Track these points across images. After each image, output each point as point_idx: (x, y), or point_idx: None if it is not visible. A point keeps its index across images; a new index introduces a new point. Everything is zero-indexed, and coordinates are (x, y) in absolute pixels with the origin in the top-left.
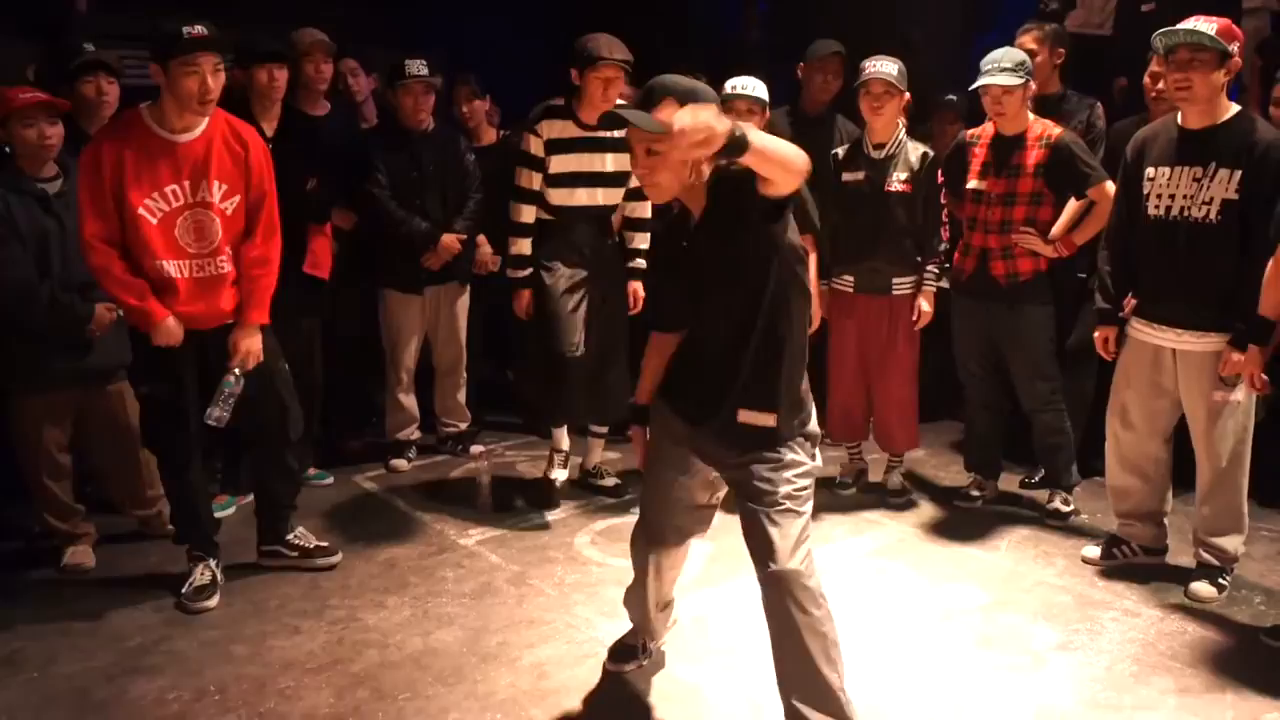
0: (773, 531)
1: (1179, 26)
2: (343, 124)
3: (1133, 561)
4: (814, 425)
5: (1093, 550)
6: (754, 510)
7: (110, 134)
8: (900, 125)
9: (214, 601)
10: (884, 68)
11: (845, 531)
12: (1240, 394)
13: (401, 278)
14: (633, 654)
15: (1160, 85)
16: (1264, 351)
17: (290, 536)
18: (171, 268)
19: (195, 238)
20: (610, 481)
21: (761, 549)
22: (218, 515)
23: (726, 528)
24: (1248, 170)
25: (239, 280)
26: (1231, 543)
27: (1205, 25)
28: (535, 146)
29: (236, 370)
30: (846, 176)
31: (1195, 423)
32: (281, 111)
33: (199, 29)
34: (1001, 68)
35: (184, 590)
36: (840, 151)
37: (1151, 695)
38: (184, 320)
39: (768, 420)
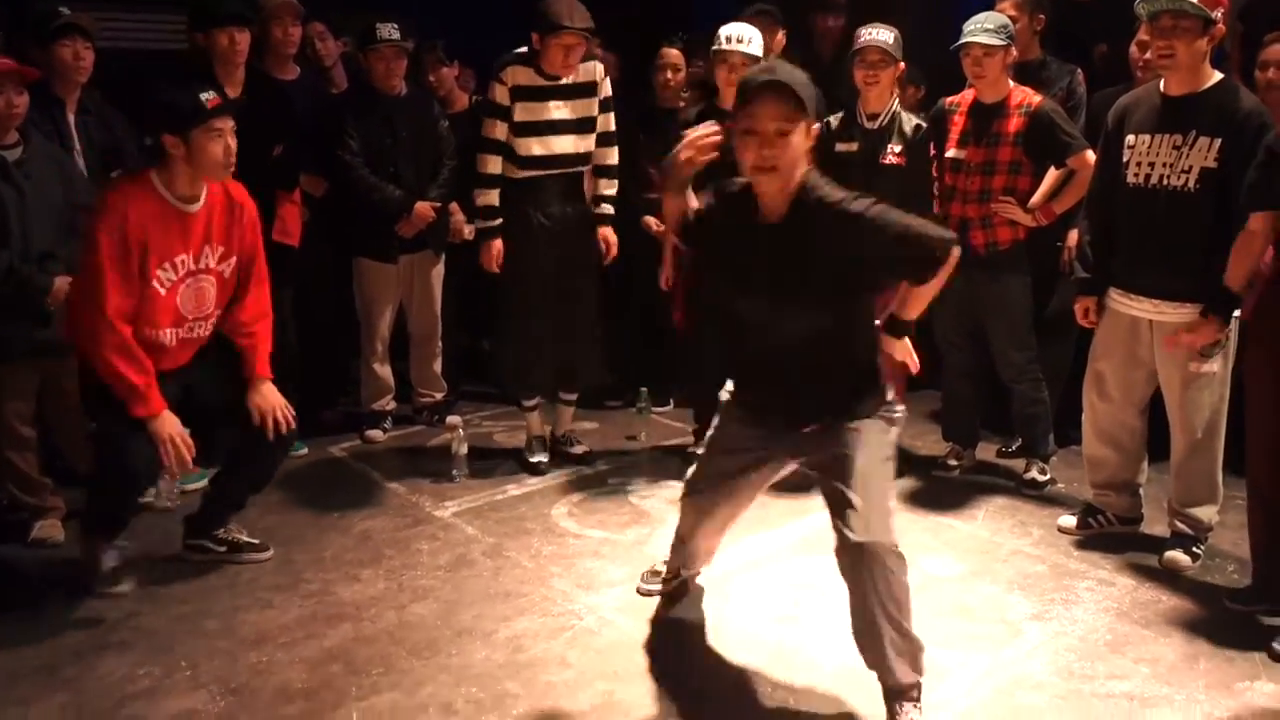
0: (854, 500)
1: None
2: (313, 89)
3: (1108, 531)
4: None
5: (1069, 520)
6: (835, 485)
7: (128, 203)
8: (894, 95)
9: (128, 586)
10: (880, 35)
11: (823, 502)
12: (1216, 365)
13: (375, 246)
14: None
15: (1148, 54)
16: (1223, 324)
17: (219, 531)
18: (167, 335)
19: (195, 304)
20: (580, 449)
21: (841, 518)
22: (192, 487)
23: None
24: (1227, 138)
25: (239, 337)
26: (1206, 512)
27: None
28: (501, 95)
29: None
30: (840, 147)
31: (1170, 393)
32: (247, 75)
33: (213, 95)
34: (984, 28)
35: (92, 574)
36: (833, 120)
37: (1125, 664)
38: (165, 368)
39: (819, 427)
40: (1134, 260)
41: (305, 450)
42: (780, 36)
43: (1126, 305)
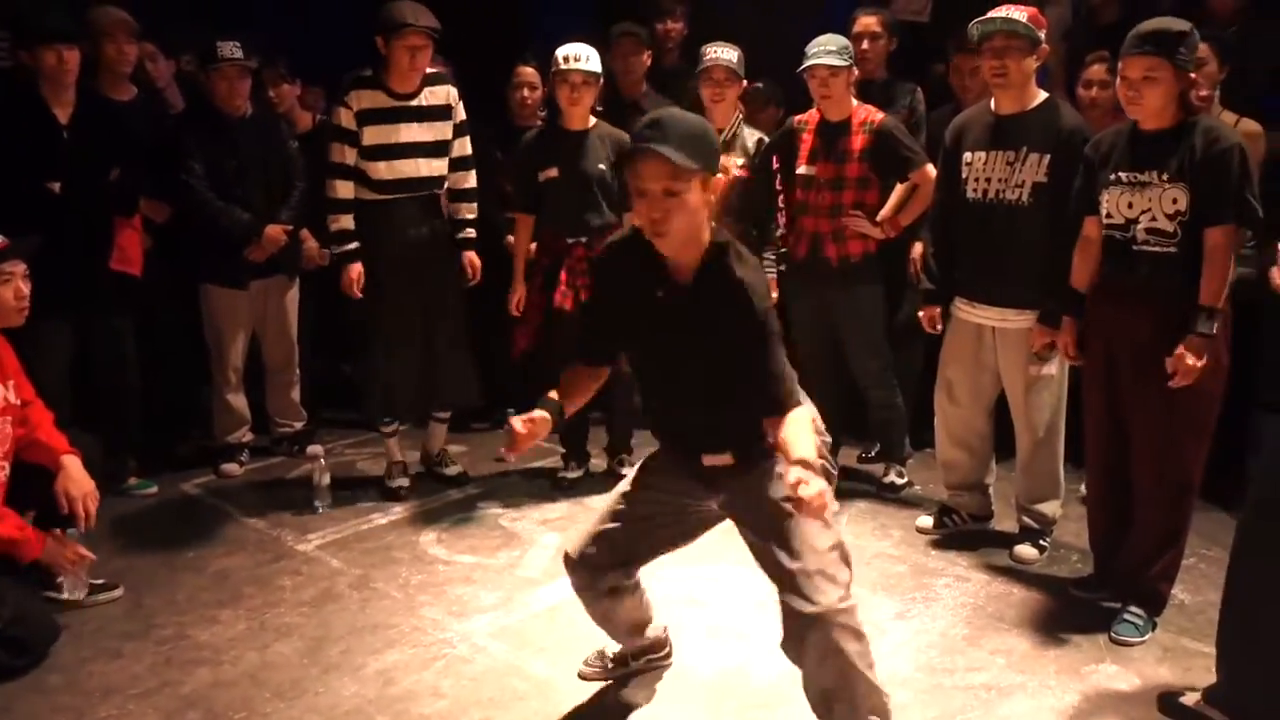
0: (786, 563)
1: (994, 15)
2: (152, 109)
3: (962, 529)
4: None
5: (926, 520)
6: (762, 542)
7: None
8: (738, 112)
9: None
10: (725, 54)
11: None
12: (1054, 368)
13: (223, 272)
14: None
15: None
16: (1075, 323)
17: (61, 577)
18: None
19: (3, 444)
20: (454, 470)
21: (781, 579)
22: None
23: (574, 517)
24: (1055, 154)
25: (28, 440)
26: (1050, 507)
27: (1017, 14)
28: (346, 119)
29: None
30: None
31: (1014, 396)
32: (78, 96)
33: (2, 239)
34: (827, 50)
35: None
36: None
37: (982, 656)
38: None
39: (725, 460)
40: (976, 270)
41: (155, 488)
42: (645, 57)
43: (971, 314)
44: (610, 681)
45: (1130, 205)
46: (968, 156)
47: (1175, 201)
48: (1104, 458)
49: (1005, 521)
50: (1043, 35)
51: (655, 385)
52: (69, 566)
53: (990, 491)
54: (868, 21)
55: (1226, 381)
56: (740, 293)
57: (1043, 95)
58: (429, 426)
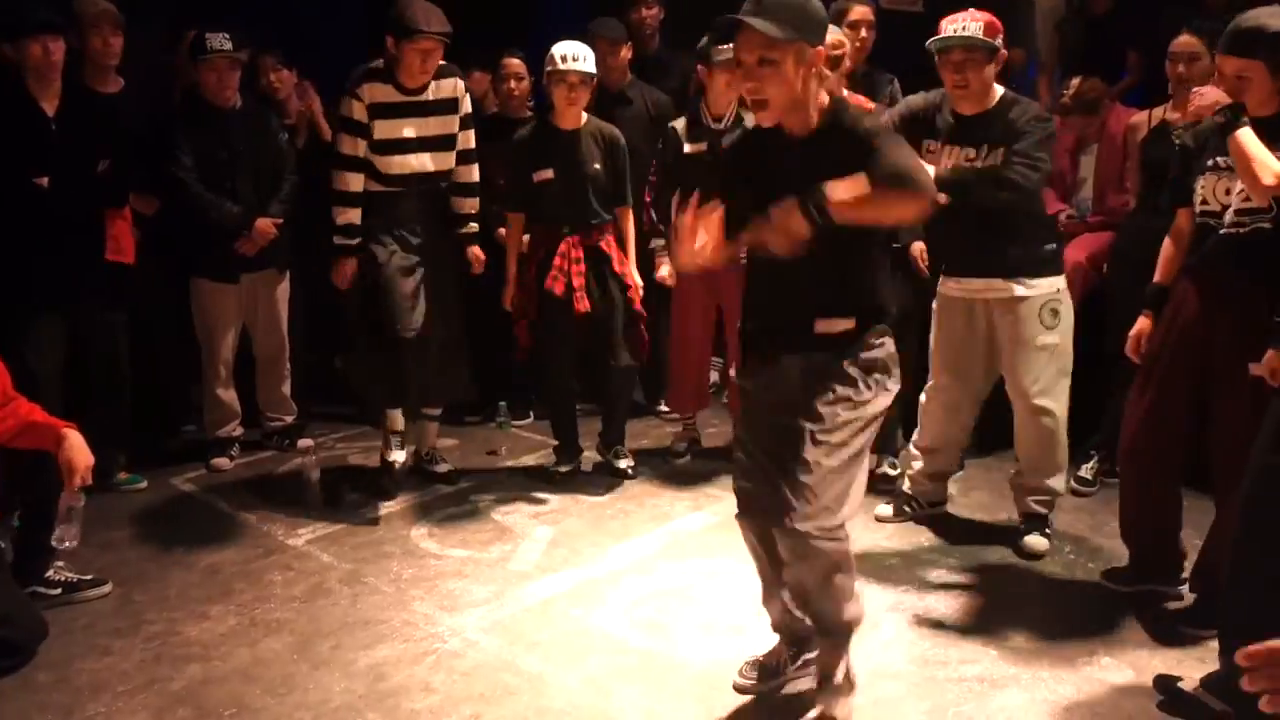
0: (803, 481)
1: (949, 32)
2: (140, 102)
3: (928, 514)
4: (889, 352)
5: (885, 509)
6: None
7: None
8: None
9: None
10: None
11: (686, 507)
12: (1055, 338)
13: (214, 265)
14: (775, 671)
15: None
16: (1152, 318)
17: (49, 573)
18: None
19: None
20: (444, 468)
21: (782, 500)
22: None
23: (567, 510)
24: (1009, 144)
25: (21, 427)
26: (1057, 481)
27: (973, 24)
28: (358, 111)
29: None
30: (689, 148)
31: (1011, 368)
32: (64, 89)
33: None
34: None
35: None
36: (678, 125)
37: (975, 648)
38: None
39: (845, 325)
40: (954, 252)
41: (144, 483)
42: (624, 50)
43: (959, 290)
44: (607, 678)
45: (1228, 191)
46: (928, 144)
47: None
48: (1161, 444)
49: (1000, 513)
50: (999, 41)
51: (773, 262)
52: None
53: (948, 481)
54: (864, 10)
55: None
56: (859, 135)
57: (999, 92)
58: (421, 425)
